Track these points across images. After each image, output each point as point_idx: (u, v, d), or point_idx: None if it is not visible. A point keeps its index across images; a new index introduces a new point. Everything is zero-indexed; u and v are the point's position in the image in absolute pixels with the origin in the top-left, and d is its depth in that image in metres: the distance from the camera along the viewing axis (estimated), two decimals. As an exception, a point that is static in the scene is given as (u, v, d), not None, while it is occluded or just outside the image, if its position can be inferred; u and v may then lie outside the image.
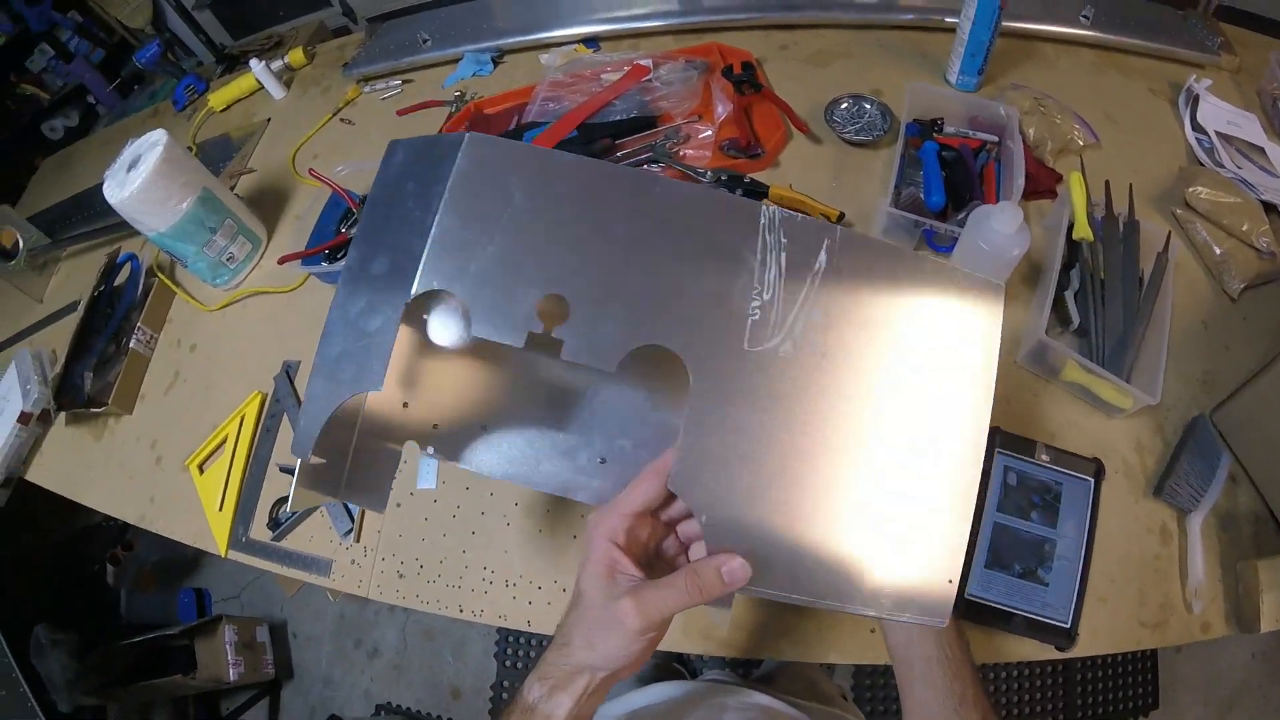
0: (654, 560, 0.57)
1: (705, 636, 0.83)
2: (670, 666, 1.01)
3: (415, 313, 0.62)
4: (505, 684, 1.91)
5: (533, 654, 1.90)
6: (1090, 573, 0.84)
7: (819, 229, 0.58)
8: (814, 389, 0.55)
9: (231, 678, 1.91)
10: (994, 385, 0.58)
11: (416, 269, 0.55)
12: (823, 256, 0.57)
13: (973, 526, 0.82)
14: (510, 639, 1.94)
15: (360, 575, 0.93)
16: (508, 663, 1.92)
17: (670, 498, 0.55)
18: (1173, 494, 0.90)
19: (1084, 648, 0.83)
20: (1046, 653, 0.84)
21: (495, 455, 0.68)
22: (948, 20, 1.22)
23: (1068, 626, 0.82)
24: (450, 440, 0.67)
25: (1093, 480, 0.88)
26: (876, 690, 1.90)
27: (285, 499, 0.99)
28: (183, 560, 2.33)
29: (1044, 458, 0.89)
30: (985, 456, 0.84)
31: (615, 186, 0.59)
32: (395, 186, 0.61)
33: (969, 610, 0.81)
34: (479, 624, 0.91)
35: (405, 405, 0.67)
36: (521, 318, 0.53)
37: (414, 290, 0.55)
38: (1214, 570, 0.89)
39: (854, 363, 0.56)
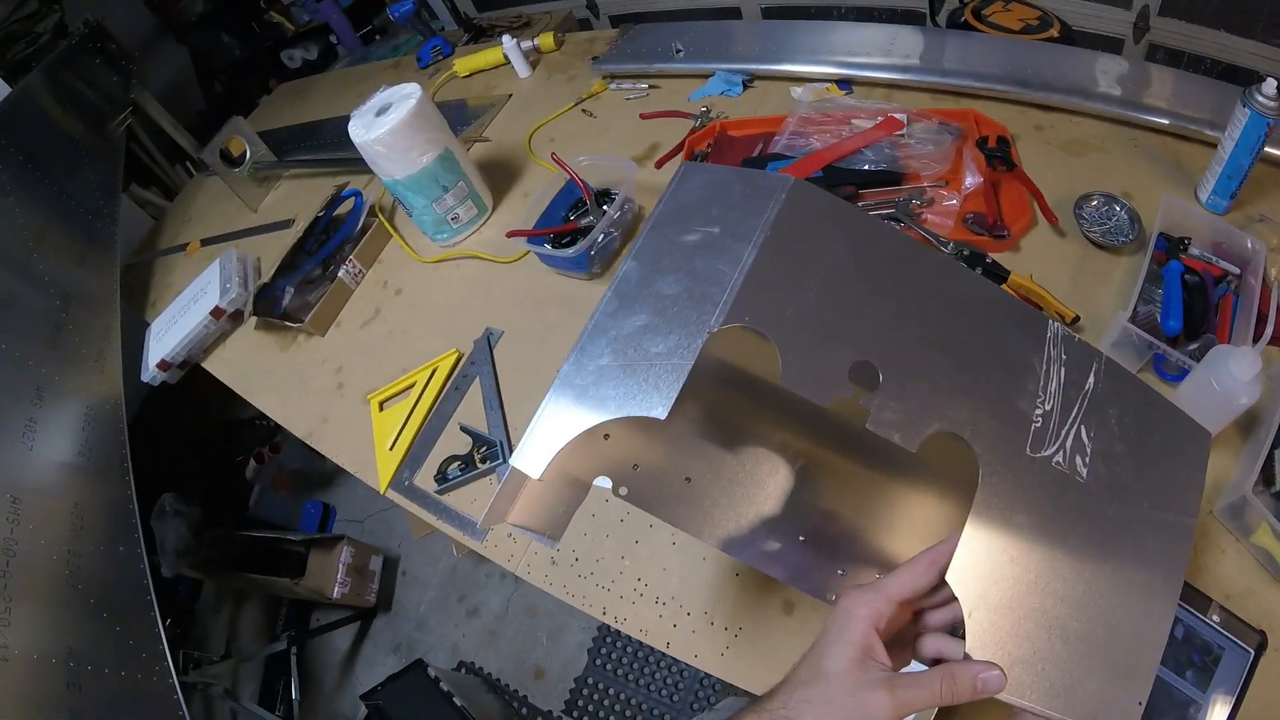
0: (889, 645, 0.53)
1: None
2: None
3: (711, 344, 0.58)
4: (589, 680, 1.89)
5: (625, 660, 1.89)
6: None
7: (1090, 353, 0.60)
8: (1072, 505, 0.55)
9: (334, 595, 1.98)
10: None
11: (724, 299, 0.54)
12: (1091, 380, 0.59)
13: None
14: (609, 640, 1.93)
15: (513, 550, 0.94)
16: (598, 660, 1.91)
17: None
18: None
19: None
20: None
21: (692, 510, 0.65)
22: (1208, 133, 1.16)
23: None
24: (649, 485, 0.65)
25: (1252, 652, 0.83)
26: None
27: (458, 458, 1.02)
28: (320, 474, 2.43)
29: (1215, 618, 0.84)
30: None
31: (927, 267, 0.60)
32: (692, 211, 0.61)
33: None
34: (590, 617, 0.92)
35: (607, 437, 0.62)
36: (833, 377, 0.53)
37: (721, 320, 0.54)
38: None
39: (1100, 488, 0.56)
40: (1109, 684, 0.53)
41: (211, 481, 2.40)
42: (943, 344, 0.57)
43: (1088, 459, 0.57)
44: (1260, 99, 1.05)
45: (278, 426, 1.19)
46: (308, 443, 1.14)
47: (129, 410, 1.23)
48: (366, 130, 1.15)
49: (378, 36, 2.57)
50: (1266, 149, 1.10)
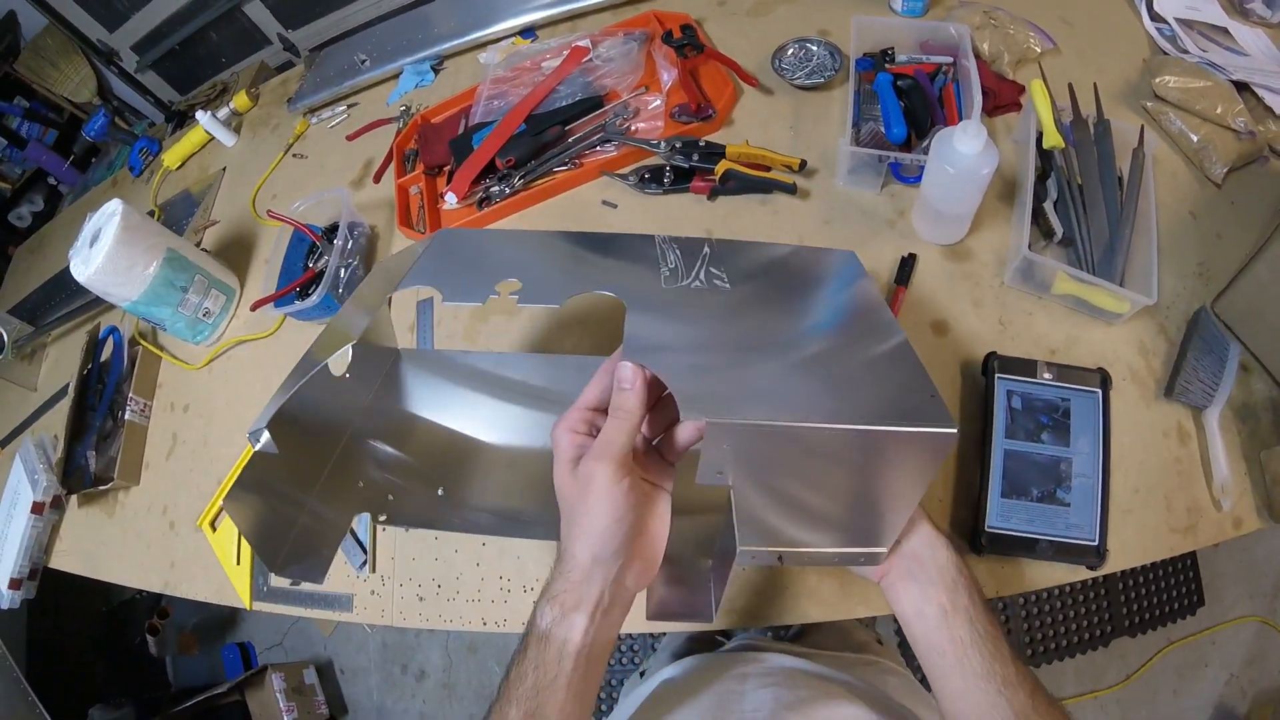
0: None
1: (729, 610, 0.82)
2: (709, 639, 0.99)
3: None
4: None
5: None
6: (1111, 486, 0.82)
7: (698, 241, 0.77)
8: (731, 301, 0.68)
9: (289, 724, 1.92)
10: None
11: None
12: (706, 249, 0.75)
13: (983, 457, 0.81)
14: None
15: (382, 605, 0.93)
16: None
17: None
18: (1184, 392, 0.88)
19: (1116, 563, 0.81)
20: (1079, 574, 0.82)
21: (457, 511, 0.73)
22: None
23: (1095, 544, 0.79)
24: (408, 506, 0.73)
25: (1100, 391, 0.85)
26: None
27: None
28: (220, 618, 2.35)
29: (1046, 376, 0.86)
30: (986, 384, 0.84)
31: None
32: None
33: (992, 543, 0.79)
34: (510, 633, 0.90)
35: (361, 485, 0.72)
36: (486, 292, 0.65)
37: None
38: (1238, 464, 0.86)
39: (754, 290, 0.71)
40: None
41: (124, 674, 2.28)
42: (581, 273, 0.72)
43: (725, 281, 0.71)
44: None
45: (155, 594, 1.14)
46: (167, 593, 1.09)
47: (12, 641, 1.14)
48: (86, 265, 1.09)
49: (92, 160, 2.45)
50: (947, -61, 1.11)
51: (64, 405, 1.28)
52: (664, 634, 1.09)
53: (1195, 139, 1.05)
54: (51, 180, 2.58)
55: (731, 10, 1.22)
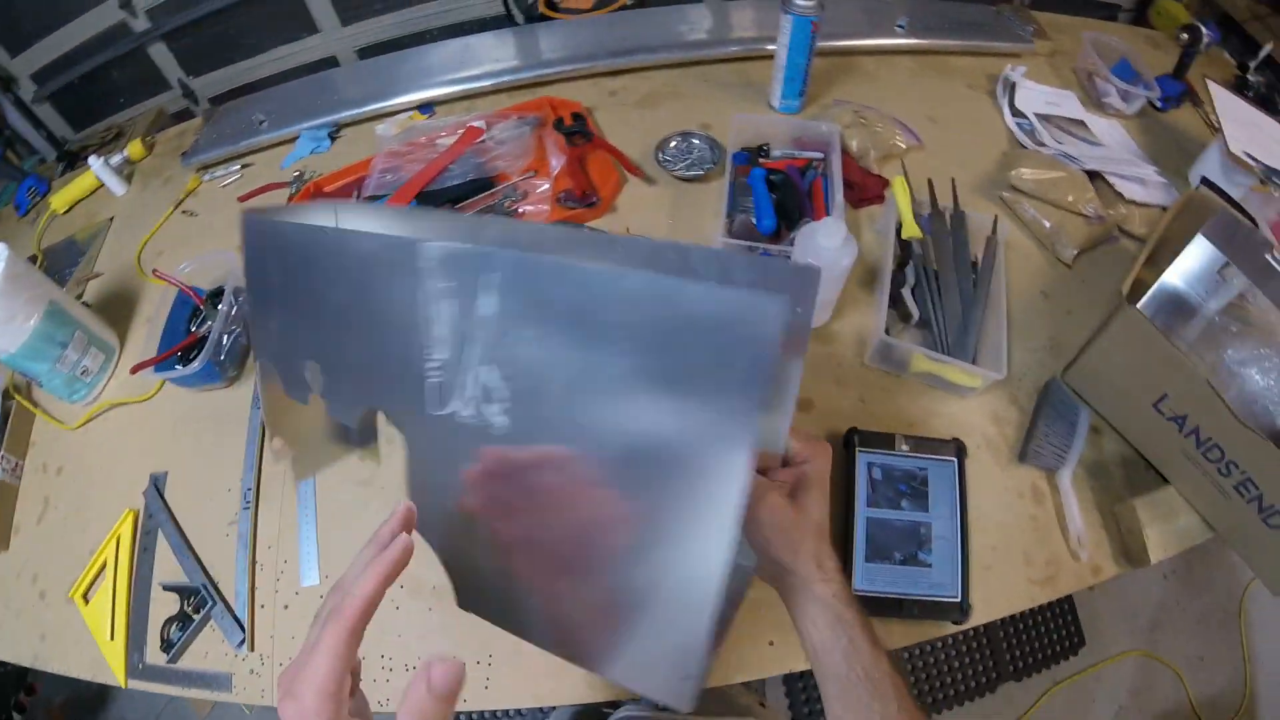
0: None
1: (609, 685, 0.84)
2: (597, 712, 1.00)
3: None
4: None
5: None
6: (971, 545, 0.88)
7: (479, 258, 0.48)
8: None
9: (160, 816, 1.80)
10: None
11: None
12: (492, 298, 0.48)
13: (846, 524, 0.86)
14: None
15: (262, 685, 0.91)
16: None
17: None
18: (1036, 456, 0.96)
19: (980, 616, 0.87)
20: (946, 629, 0.87)
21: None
22: (769, 48, 1.27)
23: (959, 600, 0.86)
24: None
25: (955, 460, 0.93)
26: (810, 691, 1.96)
27: (173, 619, 0.97)
28: (89, 695, 2.21)
29: (904, 448, 0.92)
30: (847, 457, 0.89)
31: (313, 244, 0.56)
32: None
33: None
34: (389, 712, 0.88)
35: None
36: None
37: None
38: (1093, 518, 0.94)
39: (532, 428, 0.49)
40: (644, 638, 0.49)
41: None
42: (357, 330, 0.55)
43: (505, 403, 0.49)
44: (799, 3, 1.14)
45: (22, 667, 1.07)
46: (37, 667, 1.03)
47: None
48: None
49: None
50: (822, 42, 1.20)
51: None
52: (552, 708, 1.09)
53: (1048, 225, 1.14)
54: None
55: (622, 101, 1.29)
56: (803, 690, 1.96)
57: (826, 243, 0.91)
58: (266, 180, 1.33)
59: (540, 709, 1.76)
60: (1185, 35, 1.30)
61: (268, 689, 0.90)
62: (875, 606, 0.84)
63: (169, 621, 0.97)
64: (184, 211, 1.39)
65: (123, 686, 0.97)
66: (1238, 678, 2.27)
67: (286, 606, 0.93)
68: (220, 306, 1.08)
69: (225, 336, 1.07)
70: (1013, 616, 0.99)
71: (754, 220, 1.07)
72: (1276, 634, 2.35)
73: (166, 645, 0.96)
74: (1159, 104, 1.34)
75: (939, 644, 2.08)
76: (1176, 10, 1.59)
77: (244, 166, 1.41)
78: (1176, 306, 0.99)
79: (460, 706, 0.82)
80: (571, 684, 0.85)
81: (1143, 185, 1.24)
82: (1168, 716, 2.17)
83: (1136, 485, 0.97)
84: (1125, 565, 0.94)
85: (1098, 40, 1.37)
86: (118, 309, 1.27)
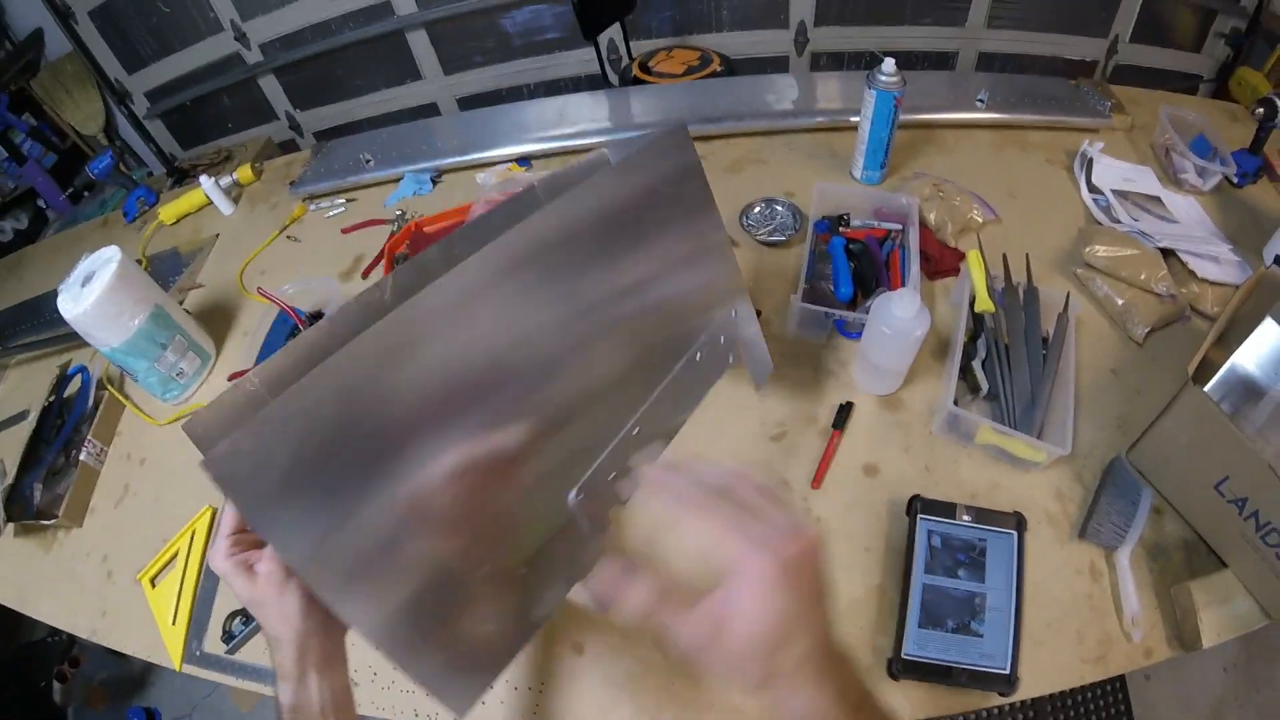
0: None
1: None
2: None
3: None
4: None
5: None
6: (1024, 619, 0.88)
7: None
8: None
9: (186, 801, 1.82)
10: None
11: None
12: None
13: (903, 590, 0.89)
14: None
15: None
16: None
17: None
18: (1096, 534, 0.95)
19: (1027, 690, 0.86)
20: (991, 699, 0.87)
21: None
22: (852, 120, 1.31)
23: (1007, 673, 0.85)
24: None
25: (1015, 533, 0.92)
26: None
27: (238, 612, 1.02)
28: (131, 677, 2.25)
29: (965, 518, 0.94)
30: (909, 524, 0.92)
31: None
32: None
33: (907, 669, 0.84)
34: None
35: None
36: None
37: None
38: (1149, 599, 0.93)
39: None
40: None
41: (22, 718, 2.16)
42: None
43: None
44: (882, 78, 1.20)
45: (72, 639, 1.12)
46: (94, 641, 1.09)
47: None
48: (75, 303, 1.13)
49: (85, 194, 2.43)
50: (901, 117, 1.25)
51: (17, 431, 1.29)
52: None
53: (1120, 302, 1.14)
54: (41, 203, 2.58)
55: (709, 165, 1.29)
56: None
57: (901, 313, 0.94)
58: (370, 215, 1.42)
59: None
60: (1261, 110, 1.27)
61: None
62: (924, 673, 0.85)
63: (233, 615, 1.02)
64: (288, 236, 1.48)
65: (177, 669, 1.01)
66: (1295, 776, 2.16)
67: None
68: (319, 327, 1.15)
69: None
70: (1062, 695, 1.00)
71: (832, 288, 1.10)
72: (1338, 729, 2.24)
73: (228, 636, 1.00)
74: (1235, 180, 1.32)
75: (984, 714, 2.02)
76: (1257, 80, 1.55)
77: (349, 200, 1.50)
78: (1245, 389, 0.97)
79: None
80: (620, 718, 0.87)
81: (1216, 263, 1.22)
82: (1220, 815, 2.02)
83: (1196, 568, 0.94)
84: (1177, 648, 0.92)
85: (1174, 115, 1.36)
86: (216, 320, 1.35)
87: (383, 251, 1.31)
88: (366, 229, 1.41)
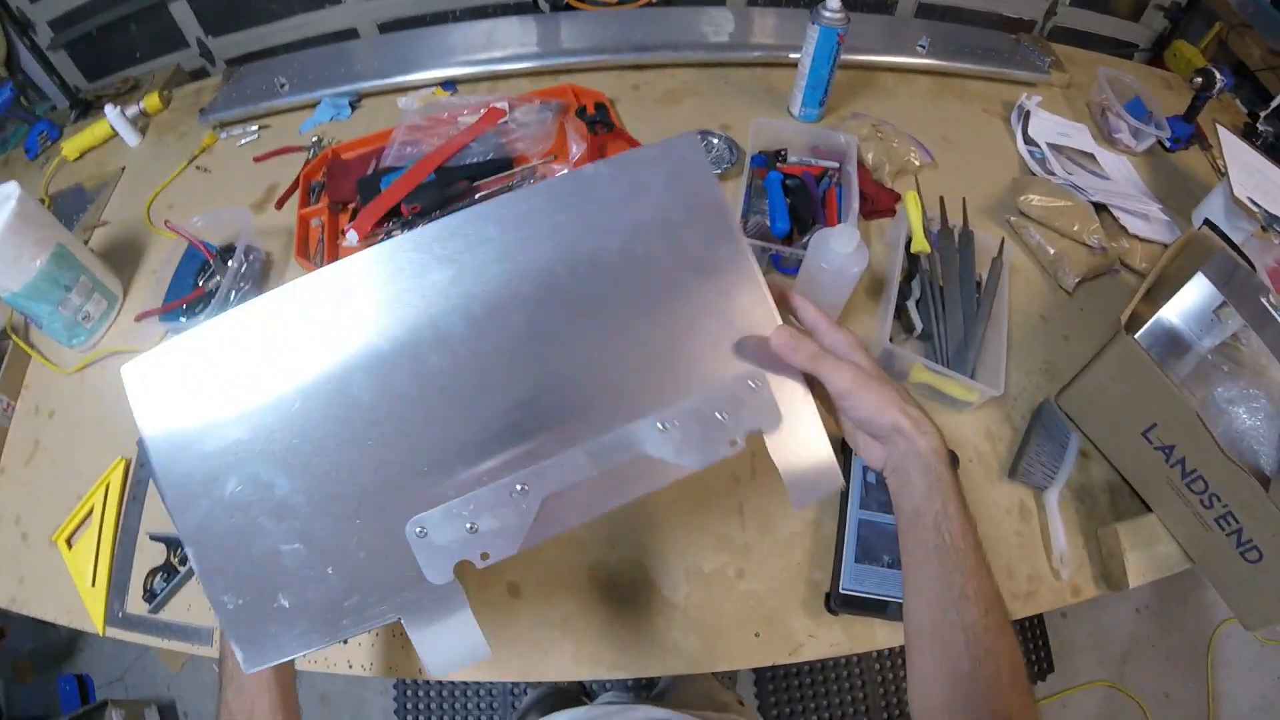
0: None
1: (595, 662, 0.85)
2: (574, 695, 1.00)
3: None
4: None
5: (433, 705, 1.87)
6: None
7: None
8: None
9: (123, 770, 1.79)
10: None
11: None
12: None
13: (839, 526, 0.87)
14: (409, 693, 1.89)
15: None
16: (409, 715, 1.87)
17: None
18: (1027, 474, 0.97)
19: None
20: None
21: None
22: (791, 56, 1.29)
23: None
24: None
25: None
26: (780, 694, 1.96)
27: (158, 569, 0.96)
28: (58, 645, 2.18)
29: None
30: (844, 460, 0.90)
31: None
32: None
33: (845, 604, 0.85)
34: (372, 679, 0.88)
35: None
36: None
37: None
38: (1076, 539, 0.96)
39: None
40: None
41: None
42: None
43: None
44: (826, 14, 1.16)
45: (-5, 611, 1.04)
46: (13, 610, 1.02)
47: None
48: None
49: None
50: (846, 55, 1.22)
51: None
52: (525, 686, 1.09)
53: (1052, 252, 1.16)
54: None
55: (644, 96, 1.30)
56: (772, 693, 1.97)
57: (840, 248, 0.92)
58: (284, 143, 1.33)
59: (491, 697, 1.78)
60: (1199, 79, 1.32)
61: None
62: (861, 607, 0.85)
63: (154, 572, 0.96)
64: (198, 167, 1.38)
65: (100, 634, 0.96)
66: (1202, 715, 2.30)
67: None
68: (230, 263, 1.08)
69: (234, 292, 1.07)
70: None
71: (768, 222, 1.08)
72: (1242, 676, 2.39)
73: (149, 595, 0.95)
74: (1168, 144, 1.36)
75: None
76: (1192, 54, 1.62)
77: (262, 128, 1.40)
78: (1171, 342, 1.01)
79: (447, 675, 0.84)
80: (559, 661, 0.85)
81: (1146, 221, 1.26)
82: (1130, 750, 2.20)
83: (1120, 511, 0.99)
84: (1104, 588, 0.95)
85: (1113, 76, 1.39)
86: (123, 259, 1.27)
87: (297, 179, 1.23)
88: (281, 157, 1.32)
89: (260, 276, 1.15)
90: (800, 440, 0.59)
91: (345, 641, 0.71)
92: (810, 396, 0.59)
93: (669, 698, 0.98)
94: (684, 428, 0.56)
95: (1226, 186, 1.21)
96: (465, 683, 0.74)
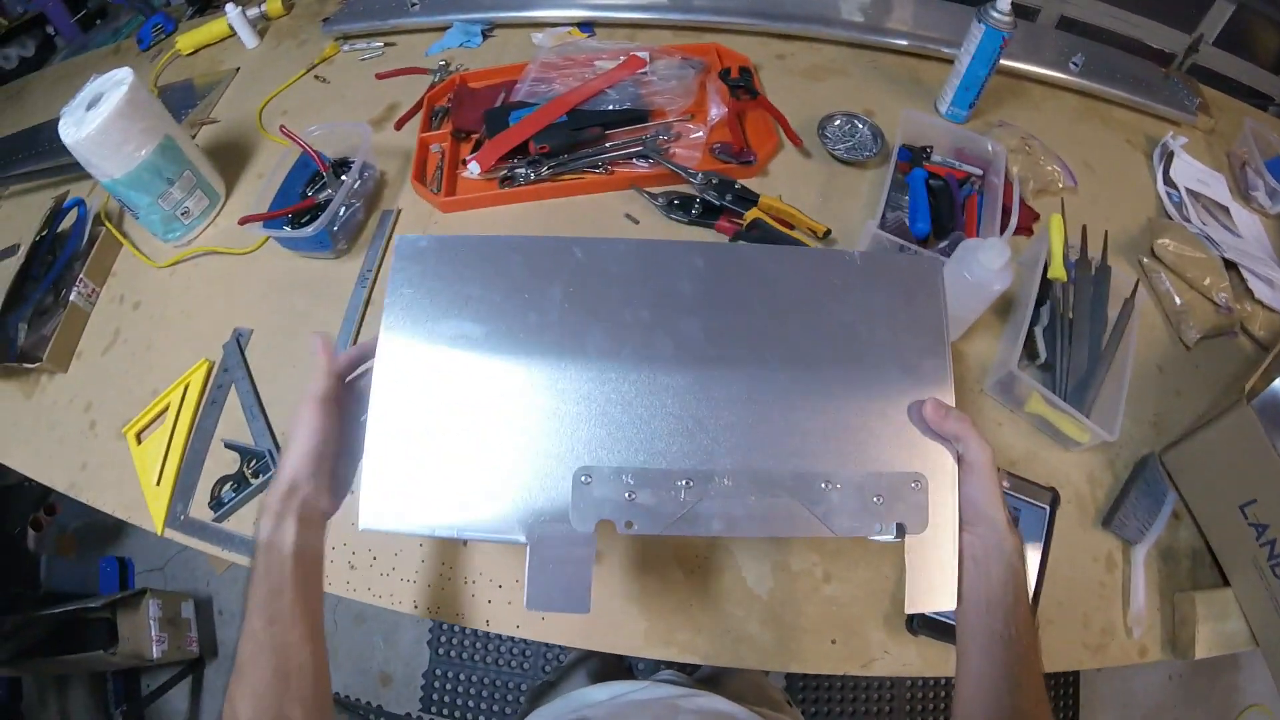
0: None
1: (667, 643, 0.82)
2: (621, 668, 1.00)
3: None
4: (438, 672, 1.86)
5: (466, 642, 1.88)
6: (1041, 595, 0.87)
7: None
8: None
9: (154, 655, 1.81)
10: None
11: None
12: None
13: None
14: (445, 626, 1.89)
15: None
16: (440, 650, 1.87)
17: None
18: (1121, 526, 0.94)
19: None
20: None
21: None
22: (945, 51, 1.24)
23: None
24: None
25: (1048, 508, 0.91)
26: (808, 696, 1.94)
27: (229, 478, 0.94)
28: (105, 527, 2.22)
29: (1004, 484, 0.90)
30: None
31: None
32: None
33: (924, 626, 0.82)
34: (433, 621, 0.87)
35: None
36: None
37: None
38: (1153, 599, 0.93)
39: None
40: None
41: None
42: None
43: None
44: (995, 15, 1.12)
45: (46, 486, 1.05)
46: (71, 495, 1.01)
47: None
48: (77, 128, 1.02)
49: (98, 21, 2.28)
50: (1002, 61, 1.17)
51: (7, 267, 1.18)
52: (567, 650, 1.09)
53: (1179, 302, 1.11)
54: (50, 30, 2.42)
55: (788, 66, 1.24)
56: (801, 689, 1.94)
57: (989, 263, 0.87)
58: (409, 63, 1.28)
59: (546, 645, 1.77)
60: None
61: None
62: (937, 629, 0.82)
63: (223, 480, 0.94)
64: (316, 77, 1.34)
65: (158, 534, 0.94)
66: (1211, 797, 2.28)
67: (353, 490, 0.89)
68: (344, 177, 1.04)
69: (344, 208, 1.03)
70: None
71: (907, 219, 1.03)
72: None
73: (216, 503, 0.93)
74: None
75: (942, 681, 2.05)
76: None
77: (386, 44, 1.36)
78: None
79: (514, 631, 0.82)
80: (629, 635, 0.83)
81: (1272, 288, 1.21)
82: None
83: (1199, 580, 0.95)
84: (1170, 653, 0.92)
85: (1258, 130, 1.31)
86: (229, 159, 1.24)
87: (420, 101, 1.18)
88: (405, 77, 1.26)
89: (373, 195, 1.12)
90: (934, 552, 0.61)
91: (465, 543, 0.84)
92: (958, 521, 0.61)
93: (720, 685, 0.97)
94: (843, 496, 0.60)
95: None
96: (496, 639, 0.76)
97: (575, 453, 0.59)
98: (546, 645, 1.81)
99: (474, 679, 1.83)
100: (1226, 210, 1.29)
